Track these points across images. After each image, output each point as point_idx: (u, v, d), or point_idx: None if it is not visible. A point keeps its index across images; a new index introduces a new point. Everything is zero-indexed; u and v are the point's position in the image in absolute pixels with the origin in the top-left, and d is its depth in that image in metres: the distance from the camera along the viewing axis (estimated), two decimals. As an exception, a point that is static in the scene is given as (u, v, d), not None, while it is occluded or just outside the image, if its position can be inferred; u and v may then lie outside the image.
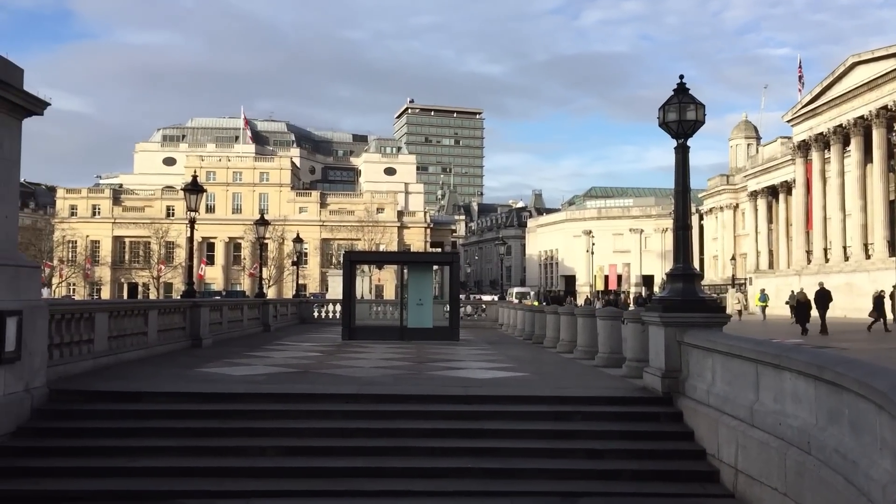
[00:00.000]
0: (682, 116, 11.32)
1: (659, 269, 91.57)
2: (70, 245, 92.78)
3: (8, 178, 9.88)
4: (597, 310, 18.34)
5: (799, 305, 32.64)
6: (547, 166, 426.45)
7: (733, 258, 75.65)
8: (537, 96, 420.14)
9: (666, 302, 11.25)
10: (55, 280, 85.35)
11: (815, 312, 31.66)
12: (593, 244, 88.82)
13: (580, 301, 74.89)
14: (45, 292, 58.10)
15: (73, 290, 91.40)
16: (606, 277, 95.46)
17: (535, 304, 46.10)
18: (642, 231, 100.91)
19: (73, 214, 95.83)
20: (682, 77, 11.66)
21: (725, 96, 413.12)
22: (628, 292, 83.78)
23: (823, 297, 31.90)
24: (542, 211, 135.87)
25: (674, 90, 11.56)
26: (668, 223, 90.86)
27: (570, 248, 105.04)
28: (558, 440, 9.83)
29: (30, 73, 10.04)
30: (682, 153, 11.50)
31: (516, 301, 51.58)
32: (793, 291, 39.08)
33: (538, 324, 24.21)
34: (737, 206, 79.60)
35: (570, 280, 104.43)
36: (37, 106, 10.22)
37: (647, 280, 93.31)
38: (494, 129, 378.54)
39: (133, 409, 10.30)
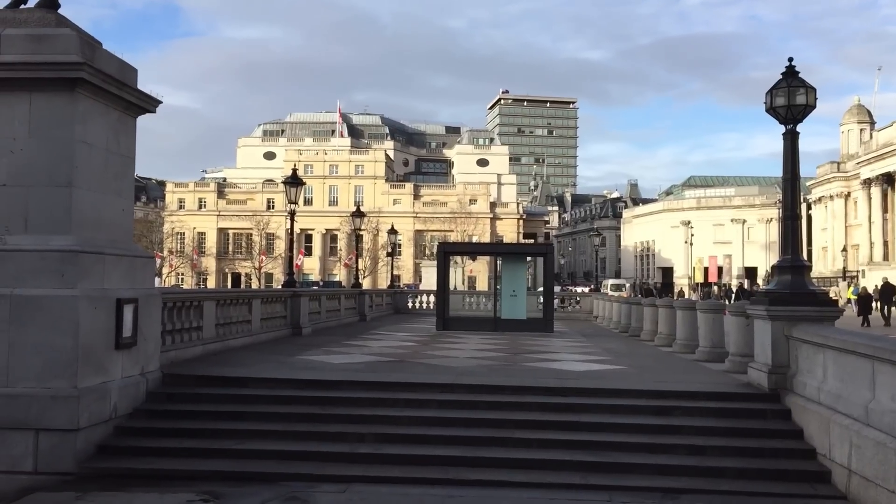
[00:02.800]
0: (790, 101, 10.82)
1: (763, 261, 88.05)
2: (178, 237, 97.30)
3: (124, 174, 10.44)
4: (697, 302, 17.81)
5: (861, 299, 35.08)
6: (644, 155, 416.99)
7: (844, 249, 71.89)
8: (641, 81, 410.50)
9: (773, 295, 10.80)
10: (165, 270, 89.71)
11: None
12: (692, 235, 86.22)
13: (685, 294, 72.83)
14: (156, 281, 61.20)
15: (182, 279, 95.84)
16: (706, 269, 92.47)
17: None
18: (745, 221, 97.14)
19: (181, 207, 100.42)
20: (791, 60, 11.15)
21: (844, 77, 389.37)
22: (722, 285, 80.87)
23: (888, 291, 35.01)
24: (637, 201, 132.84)
25: (782, 73, 11.06)
26: (773, 213, 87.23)
27: (667, 239, 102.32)
28: (658, 435, 9.61)
29: (141, 71, 10.55)
30: (791, 139, 11.01)
31: (611, 293, 50.69)
32: (859, 285, 42.93)
33: (635, 316, 23.73)
34: (848, 195, 75.53)
35: (668, 272, 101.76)
36: (150, 104, 10.74)
37: (750, 272, 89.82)
38: (591, 118, 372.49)
39: (239, 394, 10.72)
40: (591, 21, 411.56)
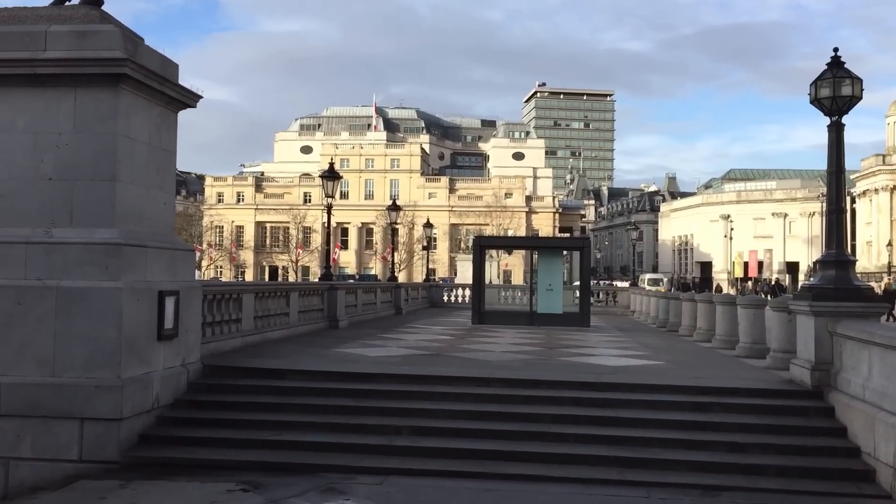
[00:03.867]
0: (835, 92, 10.59)
1: (805, 255, 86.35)
2: (217, 230, 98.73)
3: (166, 168, 10.60)
4: (737, 297, 17.53)
5: (886, 294, 35.11)
6: (683, 148, 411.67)
7: (890, 244, 70.12)
8: (682, 72, 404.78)
9: (816, 290, 10.58)
10: (204, 263, 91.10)
11: None
12: (732, 229, 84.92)
13: (721, 289, 71.75)
14: (195, 274, 62.16)
15: (221, 272, 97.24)
16: (746, 264, 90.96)
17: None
18: (786, 215, 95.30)
19: (219, 201, 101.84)
20: (836, 50, 10.90)
21: (894, 66, 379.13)
22: (758, 280, 79.41)
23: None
24: (675, 195, 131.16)
25: (827, 64, 10.83)
26: (816, 207, 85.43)
27: (706, 233, 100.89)
28: (697, 431, 9.49)
29: (181, 66, 10.68)
30: (836, 131, 10.77)
31: (649, 288, 50.19)
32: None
33: (673, 311, 23.46)
34: (894, 188, 73.63)
35: (706, 266, 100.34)
36: (191, 99, 10.89)
37: (791, 267, 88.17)
38: (629, 110, 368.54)
39: (278, 386, 10.84)
40: (631, 11, 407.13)
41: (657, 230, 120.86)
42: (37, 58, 9.22)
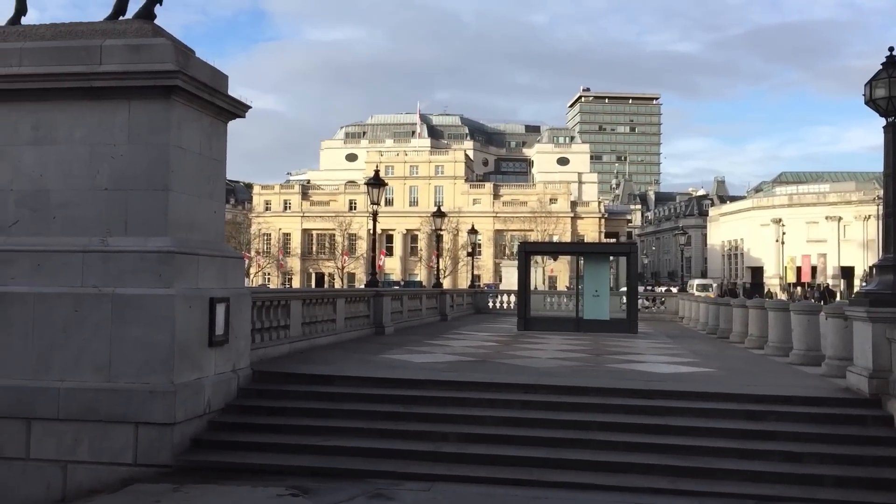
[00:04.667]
0: (891, 92, 10.35)
1: (860, 260, 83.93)
2: (265, 237, 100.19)
3: (216, 177, 10.81)
4: (790, 303, 17.13)
5: None
6: (733, 151, 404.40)
7: (950, 248, 67.65)
8: (732, 73, 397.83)
9: (874, 295, 10.29)
10: (252, 270, 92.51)
11: None
12: (783, 233, 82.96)
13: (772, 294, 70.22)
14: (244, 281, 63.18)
15: (268, 279, 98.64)
16: (799, 269, 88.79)
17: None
18: (840, 219, 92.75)
19: (267, 209, 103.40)
20: (892, 49, 10.64)
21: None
22: (808, 285, 77.40)
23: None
24: (724, 199, 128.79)
25: (882, 63, 10.56)
26: (871, 210, 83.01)
27: (756, 237, 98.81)
28: (750, 440, 9.29)
29: (230, 76, 10.89)
30: (893, 133, 10.50)
31: (698, 293, 49.35)
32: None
33: (723, 317, 23.02)
34: (954, 190, 71.07)
35: (757, 272, 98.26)
36: (240, 109, 11.09)
37: (846, 272, 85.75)
38: (677, 113, 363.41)
39: (325, 392, 10.93)
40: (680, 12, 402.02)
41: (706, 235, 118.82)
42: (93, 71, 9.50)
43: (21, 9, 10.88)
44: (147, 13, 10.12)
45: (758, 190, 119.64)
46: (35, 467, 9.06)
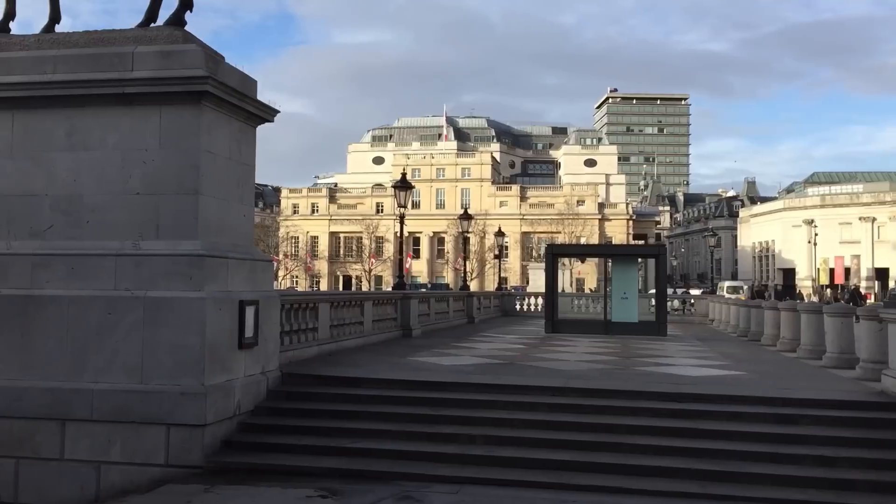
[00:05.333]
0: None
1: (895, 261, 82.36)
2: (293, 240, 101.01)
3: (245, 181, 10.92)
4: (823, 305, 16.87)
5: None
6: (764, 151, 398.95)
7: None
8: (765, 72, 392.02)
9: (909, 297, 10.07)
10: (280, 273, 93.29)
11: None
12: (816, 235, 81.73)
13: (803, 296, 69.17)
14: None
15: (296, 282, 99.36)
16: (832, 271, 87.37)
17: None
18: (874, 220, 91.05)
19: (294, 212, 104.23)
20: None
21: None
22: (839, 287, 76.01)
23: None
24: (755, 200, 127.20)
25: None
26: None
27: (788, 239, 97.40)
28: (782, 444, 9.15)
29: (258, 79, 10.99)
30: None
31: (728, 295, 48.77)
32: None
33: (755, 319, 22.72)
34: None
35: (789, 273, 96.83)
36: (269, 114, 11.19)
37: (881, 273, 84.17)
38: (707, 113, 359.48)
39: (354, 394, 10.98)
40: (710, 11, 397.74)
41: (736, 236, 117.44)
42: (125, 78, 9.66)
43: (55, 17, 11.10)
44: (177, 20, 10.26)
45: (789, 190, 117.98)
46: (70, 467, 9.21)
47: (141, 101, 9.74)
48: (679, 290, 67.33)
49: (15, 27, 11.14)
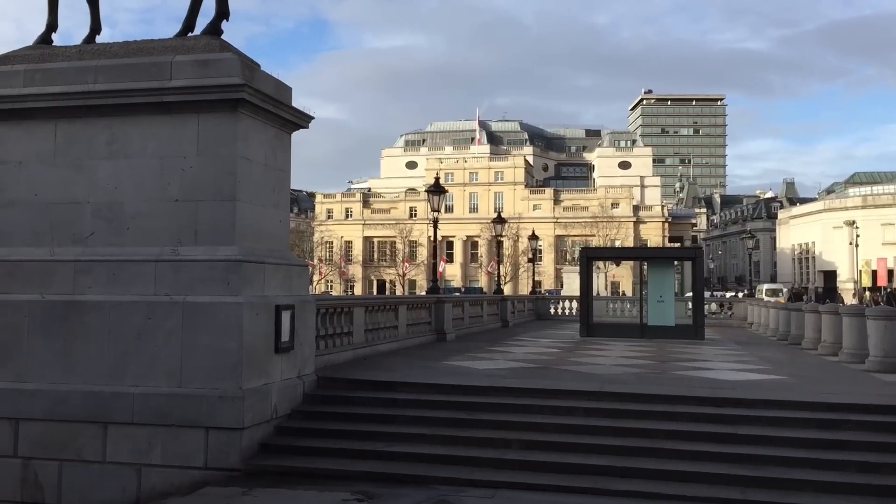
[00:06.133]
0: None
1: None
2: (327, 245, 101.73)
3: (281, 187, 11.03)
4: (866, 308, 16.50)
5: None
6: (804, 151, 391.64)
7: None
8: (806, 70, 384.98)
9: (957, 300, 9.81)
10: (315, 277, 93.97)
11: None
12: (857, 236, 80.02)
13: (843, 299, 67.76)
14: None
15: (331, 286, 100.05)
16: (874, 273, 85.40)
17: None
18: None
19: (329, 217, 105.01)
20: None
21: None
22: (880, 289, 74.14)
23: None
24: (794, 201, 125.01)
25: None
26: (952, 210, 79.34)
27: (828, 240, 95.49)
28: (824, 450, 8.97)
29: (292, 86, 11.09)
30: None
31: (767, 298, 47.94)
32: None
33: (795, 323, 22.30)
34: None
35: (830, 276, 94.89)
36: (303, 120, 11.31)
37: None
38: (745, 113, 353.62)
39: (389, 398, 11.01)
40: (748, 9, 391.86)
41: (775, 238, 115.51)
42: (164, 86, 9.84)
43: (95, 27, 11.36)
44: (214, 29, 10.43)
45: (829, 191, 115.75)
46: (111, 470, 9.38)
47: (179, 109, 9.90)
48: (716, 293, 66.40)
49: (56, 38, 11.42)
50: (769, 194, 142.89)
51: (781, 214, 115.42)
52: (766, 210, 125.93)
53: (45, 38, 11.19)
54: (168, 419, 9.30)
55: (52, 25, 11.30)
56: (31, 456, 9.58)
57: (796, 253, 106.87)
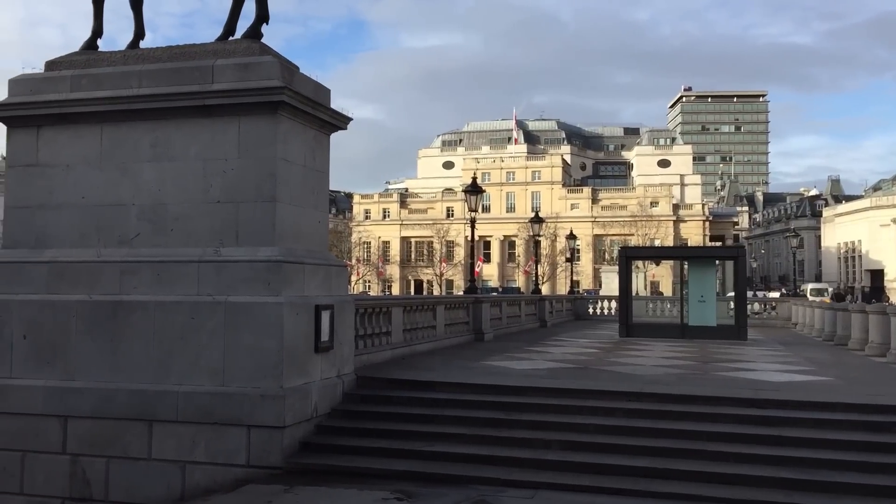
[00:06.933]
0: None
1: None
2: (365, 245, 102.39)
3: (320, 188, 11.13)
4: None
5: None
6: (850, 147, 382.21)
7: None
8: (854, 63, 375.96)
9: None
10: (353, 277, 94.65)
11: None
12: (905, 234, 77.93)
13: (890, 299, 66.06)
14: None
15: (368, 286, 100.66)
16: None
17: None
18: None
19: (366, 218, 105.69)
20: None
21: None
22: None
23: None
24: (840, 198, 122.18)
25: None
26: None
27: (875, 238, 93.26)
28: (872, 453, 8.77)
29: (330, 87, 11.19)
30: None
31: (812, 298, 46.97)
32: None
33: (841, 323, 21.82)
34: None
35: (877, 275, 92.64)
36: (342, 121, 11.40)
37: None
38: (790, 108, 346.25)
39: (427, 398, 11.03)
40: (793, 3, 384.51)
41: (819, 237, 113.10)
42: (205, 90, 10.00)
43: (139, 33, 11.59)
44: (254, 32, 10.56)
45: (876, 188, 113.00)
46: (156, 467, 9.57)
47: (220, 112, 10.05)
48: (759, 293, 65.27)
49: (101, 44, 11.67)
50: (814, 192, 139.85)
51: (826, 212, 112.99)
52: (811, 208, 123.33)
53: (90, 44, 11.45)
54: (211, 417, 9.45)
55: (97, 31, 11.56)
56: (79, 453, 9.81)
57: (842, 252, 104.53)
